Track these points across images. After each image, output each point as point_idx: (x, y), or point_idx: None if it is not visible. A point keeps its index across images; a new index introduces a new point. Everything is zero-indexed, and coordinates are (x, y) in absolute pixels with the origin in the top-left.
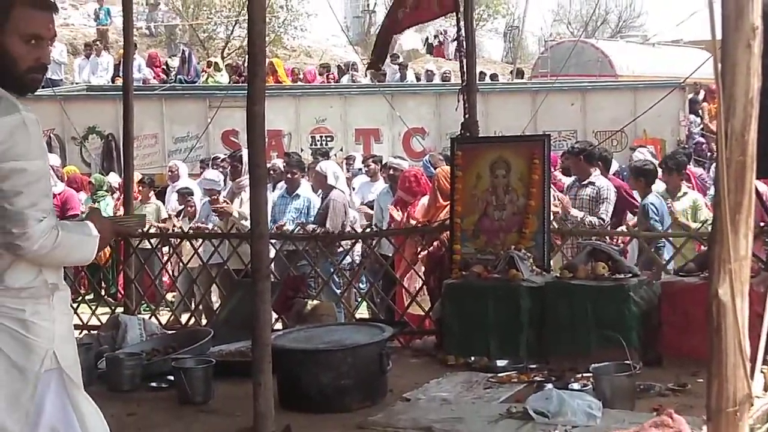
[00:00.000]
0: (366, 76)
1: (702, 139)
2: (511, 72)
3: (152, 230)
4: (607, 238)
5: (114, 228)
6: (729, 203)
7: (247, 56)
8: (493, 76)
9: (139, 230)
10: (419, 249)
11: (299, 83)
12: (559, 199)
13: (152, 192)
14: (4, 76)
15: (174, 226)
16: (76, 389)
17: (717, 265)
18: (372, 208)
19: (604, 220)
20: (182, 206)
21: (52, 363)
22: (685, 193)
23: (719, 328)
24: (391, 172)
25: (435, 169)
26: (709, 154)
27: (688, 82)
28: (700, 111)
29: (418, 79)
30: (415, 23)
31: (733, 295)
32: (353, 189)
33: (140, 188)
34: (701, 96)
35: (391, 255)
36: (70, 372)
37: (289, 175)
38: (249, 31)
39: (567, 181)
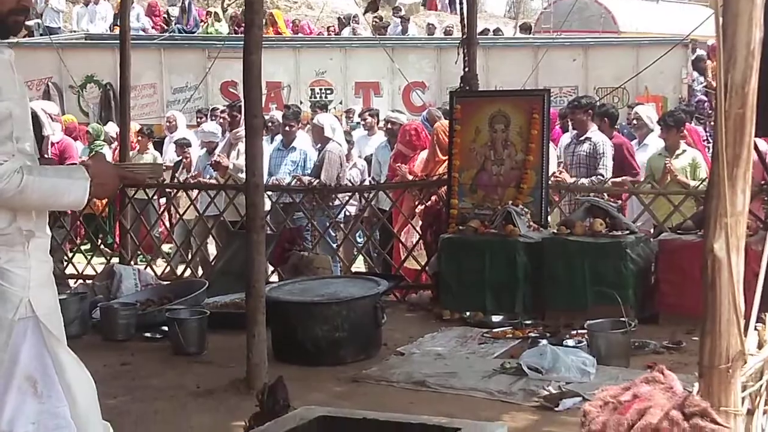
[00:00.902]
0: (367, 28)
1: (704, 97)
2: (516, 27)
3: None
4: (605, 194)
5: (119, 173)
6: (727, 157)
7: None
8: (497, 31)
9: (150, 179)
10: (416, 203)
11: (299, 35)
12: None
13: (150, 142)
14: None
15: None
16: (54, 339)
17: (713, 220)
18: (369, 162)
19: (603, 176)
20: (180, 157)
21: (27, 311)
22: (684, 151)
23: (714, 283)
24: (389, 126)
25: (433, 124)
26: (710, 111)
27: (691, 39)
28: (704, 68)
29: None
30: None
31: (729, 250)
32: (351, 142)
33: (138, 138)
34: (705, 53)
35: (388, 209)
36: (46, 321)
37: (286, 128)
38: None
39: (565, 139)
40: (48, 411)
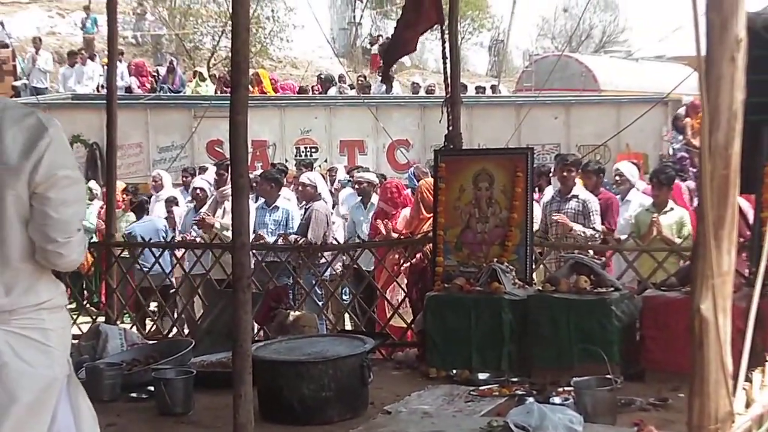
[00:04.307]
0: (354, 87)
1: (685, 154)
2: (492, 87)
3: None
4: (590, 251)
5: None
6: (712, 218)
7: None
8: (479, 89)
9: None
10: (402, 261)
11: (284, 94)
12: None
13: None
14: None
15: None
16: (81, 393)
17: (699, 281)
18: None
19: (598, 231)
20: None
21: (67, 369)
22: (672, 209)
23: (702, 344)
24: (359, 185)
25: (419, 180)
26: (691, 169)
27: (671, 97)
28: (682, 126)
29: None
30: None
31: (716, 311)
32: (338, 201)
33: (124, 197)
34: (683, 111)
35: (372, 267)
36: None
37: (265, 186)
38: (233, 40)
39: (546, 196)
40: None
